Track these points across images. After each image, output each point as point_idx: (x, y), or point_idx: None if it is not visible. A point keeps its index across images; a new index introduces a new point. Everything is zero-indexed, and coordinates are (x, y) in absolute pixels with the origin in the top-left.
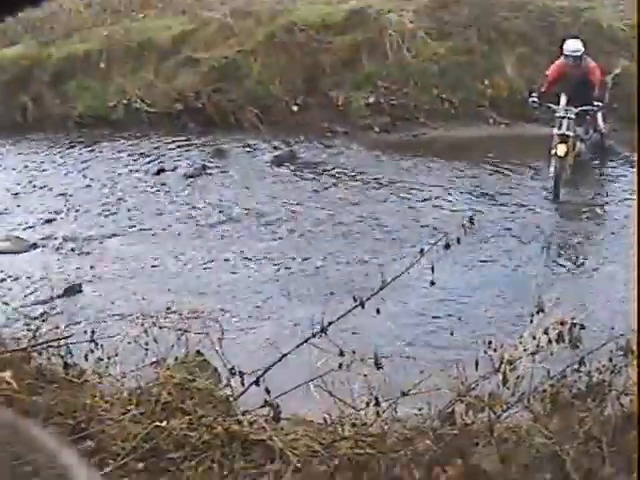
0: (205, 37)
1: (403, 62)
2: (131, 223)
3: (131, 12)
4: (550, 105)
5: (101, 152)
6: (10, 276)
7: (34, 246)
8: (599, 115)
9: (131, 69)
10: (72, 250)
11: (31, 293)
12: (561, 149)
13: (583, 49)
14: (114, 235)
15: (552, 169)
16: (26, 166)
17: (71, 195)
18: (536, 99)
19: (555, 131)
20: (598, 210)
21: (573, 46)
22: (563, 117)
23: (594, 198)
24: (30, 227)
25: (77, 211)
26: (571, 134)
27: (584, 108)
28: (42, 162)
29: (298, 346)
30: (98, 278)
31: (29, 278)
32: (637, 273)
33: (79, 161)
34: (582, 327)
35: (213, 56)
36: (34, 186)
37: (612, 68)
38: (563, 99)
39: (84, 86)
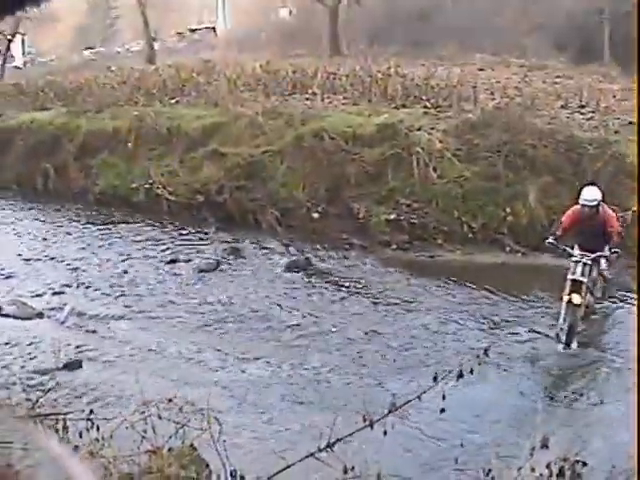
0: (234, 132)
1: (428, 181)
2: (139, 308)
3: (164, 96)
4: (566, 248)
5: (118, 232)
6: (12, 341)
7: (40, 315)
8: (603, 260)
9: (157, 154)
10: (77, 325)
11: (31, 361)
12: (576, 298)
13: (600, 198)
14: (121, 317)
15: (563, 318)
16: (41, 234)
17: (83, 270)
18: (553, 241)
19: (569, 276)
20: (600, 351)
21: (589, 195)
22: (578, 262)
23: (596, 340)
24: (38, 296)
25: (87, 287)
26: (585, 280)
27: (601, 254)
28: (57, 233)
29: (303, 459)
30: (100, 357)
31: (31, 346)
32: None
33: (95, 238)
34: (584, 464)
35: (240, 152)
36: (46, 255)
37: (630, 204)
38: (576, 249)
39: (109, 163)
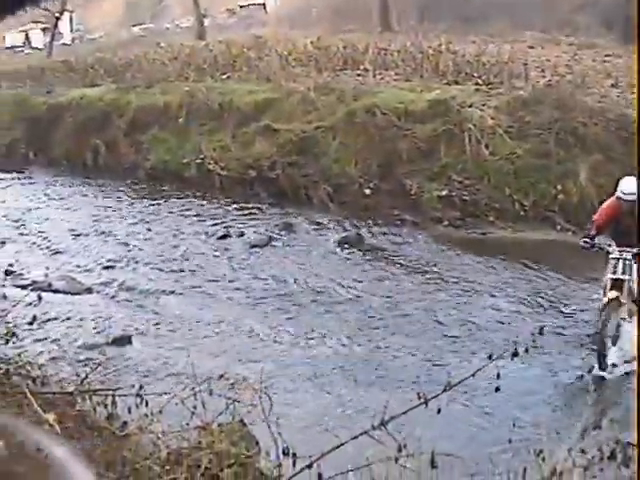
0: (286, 108)
1: (480, 158)
2: (190, 283)
3: (215, 72)
4: (603, 246)
5: (169, 207)
6: (61, 316)
7: (89, 290)
8: None
9: (209, 129)
10: (127, 300)
11: (80, 336)
12: (612, 293)
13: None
14: (171, 292)
15: (600, 321)
16: (90, 210)
17: (133, 245)
18: (588, 240)
19: (608, 275)
20: None
21: (628, 188)
22: (618, 259)
23: None
24: (87, 270)
25: (137, 262)
26: (627, 278)
27: None
28: (107, 208)
29: (356, 437)
30: (150, 332)
31: (80, 321)
32: None
33: (145, 213)
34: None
35: (292, 128)
36: (96, 231)
37: None
38: (613, 245)
39: (160, 139)
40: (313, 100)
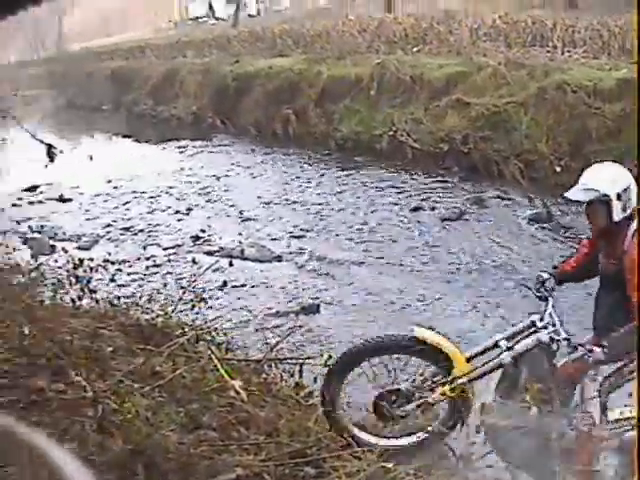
0: (478, 82)
1: None
2: (381, 254)
3: (406, 45)
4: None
5: (359, 178)
6: (251, 283)
7: (278, 258)
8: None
9: (400, 102)
10: (316, 269)
11: (269, 303)
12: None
13: (614, 189)
14: (362, 263)
15: None
16: (280, 178)
17: (324, 215)
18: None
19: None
20: None
21: (585, 179)
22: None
23: None
24: (277, 239)
25: (328, 232)
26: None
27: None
28: (298, 177)
29: None
30: (339, 302)
31: (269, 288)
32: None
33: (337, 183)
34: None
35: (483, 102)
36: (287, 200)
37: None
38: None
39: (351, 110)
40: (504, 75)
